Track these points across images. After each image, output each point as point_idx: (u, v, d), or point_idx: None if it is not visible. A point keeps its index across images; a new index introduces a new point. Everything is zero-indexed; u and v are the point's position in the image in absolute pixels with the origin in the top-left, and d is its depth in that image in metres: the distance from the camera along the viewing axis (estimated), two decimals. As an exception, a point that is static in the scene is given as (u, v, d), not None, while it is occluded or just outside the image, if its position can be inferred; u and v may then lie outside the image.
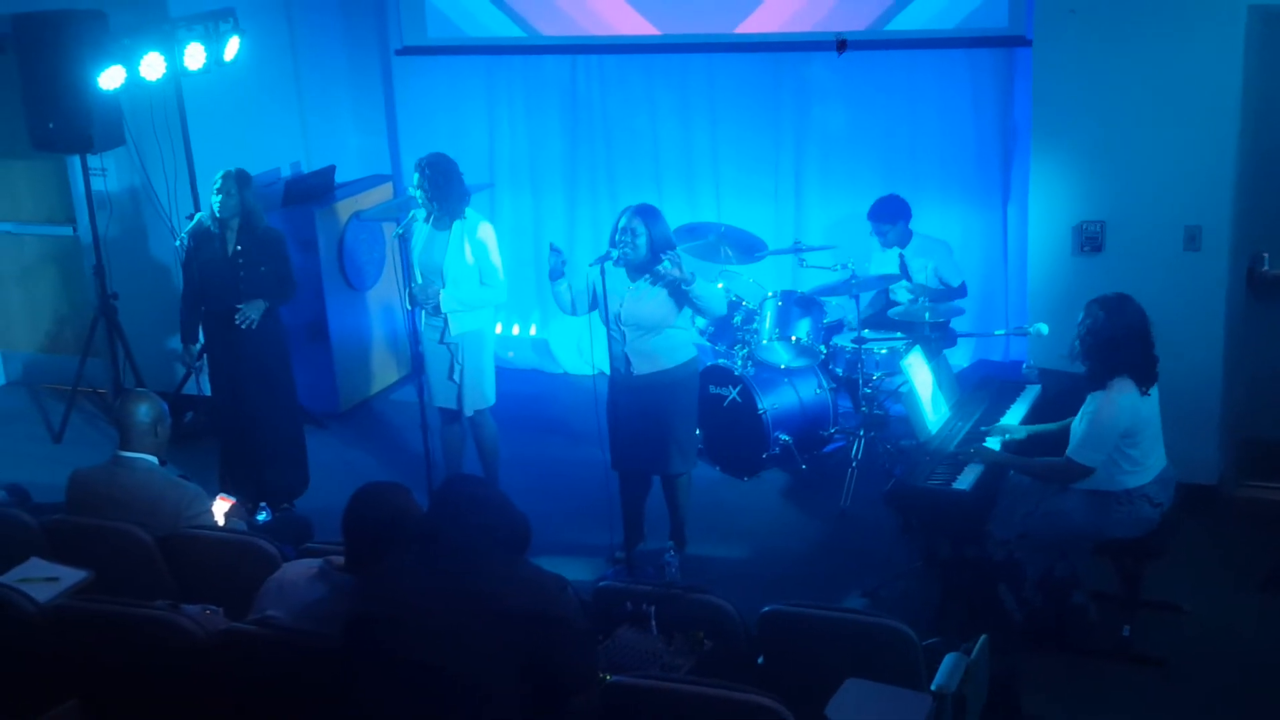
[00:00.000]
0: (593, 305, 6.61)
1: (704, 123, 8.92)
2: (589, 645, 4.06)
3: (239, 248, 7.06)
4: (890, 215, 7.77)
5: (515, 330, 9.68)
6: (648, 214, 6.39)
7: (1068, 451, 5.67)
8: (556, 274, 6.56)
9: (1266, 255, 6.99)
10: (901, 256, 7.77)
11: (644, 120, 9.06)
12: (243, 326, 7.00)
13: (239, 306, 6.99)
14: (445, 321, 6.91)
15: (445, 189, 6.82)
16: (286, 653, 4.14)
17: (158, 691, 4.37)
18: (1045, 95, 7.06)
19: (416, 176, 6.83)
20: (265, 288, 7.07)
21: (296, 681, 4.08)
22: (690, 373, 6.60)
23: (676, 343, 6.49)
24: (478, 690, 3.66)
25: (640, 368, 6.45)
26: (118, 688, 4.44)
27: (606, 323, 6.47)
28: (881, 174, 8.51)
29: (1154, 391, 5.66)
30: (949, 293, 7.80)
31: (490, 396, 7.14)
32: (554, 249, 6.60)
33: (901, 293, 7.84)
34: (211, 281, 7.11)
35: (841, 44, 7.31)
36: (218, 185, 7.02)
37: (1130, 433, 5.60)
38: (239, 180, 7.02)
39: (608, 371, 6.64)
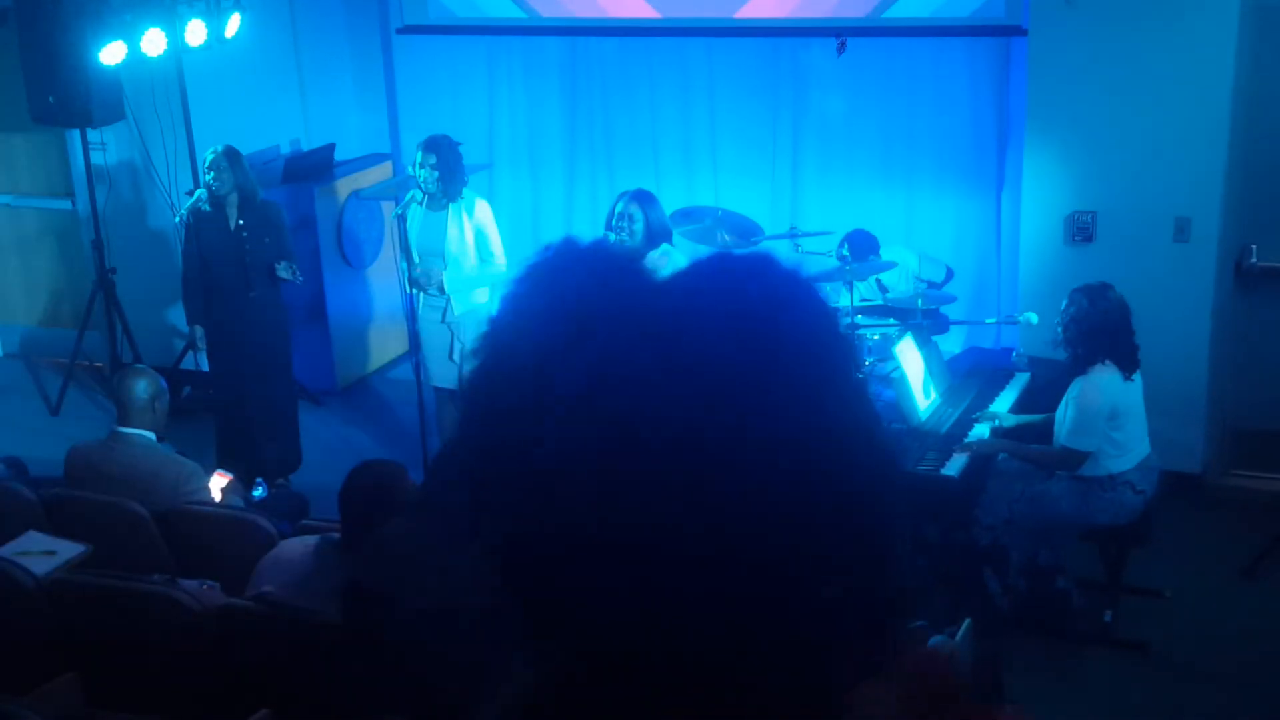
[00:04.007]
0: None
1: (703, 107, 8.95)
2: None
3: (241, 222, 7.09)
4: (858, 250, 7.77)
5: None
6: (644, 199, 6.44)
7: (1061, 440, 5.75)
8: None
9: (1254, 247, 7.05)
10: (879, 282, 7.81)
11: (643, 103, 9.09)
12: (299, 281, 7.13)
13: (280, 274, 7.06)
14: (448, 301, 6.96)
15: (455, 170, 6.88)
16: (282, 628, 4.20)
17: (154, 665, 4.41)
18: (1039, 86, 7.12)
19: (423, 156, 6.84)
20: (270, 260, 7.11)
21: (292, 657, 4.14)
22: None
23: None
24: (479, 669, 3.73)
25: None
26: (114, 661, 4.48)
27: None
28: (878, 160, 8.55)
29: (1137, 378, 5.74)
30: (938, 286, 7.88)
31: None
32: None
33: (894, 280, 7.88)
34: (217, 258, 7.15)
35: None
36: (208, 163, 7.07)
37: (1114, 415, 5.68)
38: (228, 157, 7.05)
39: None
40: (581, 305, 1.04)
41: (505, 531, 1.02)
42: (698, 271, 1.07)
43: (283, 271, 7.03)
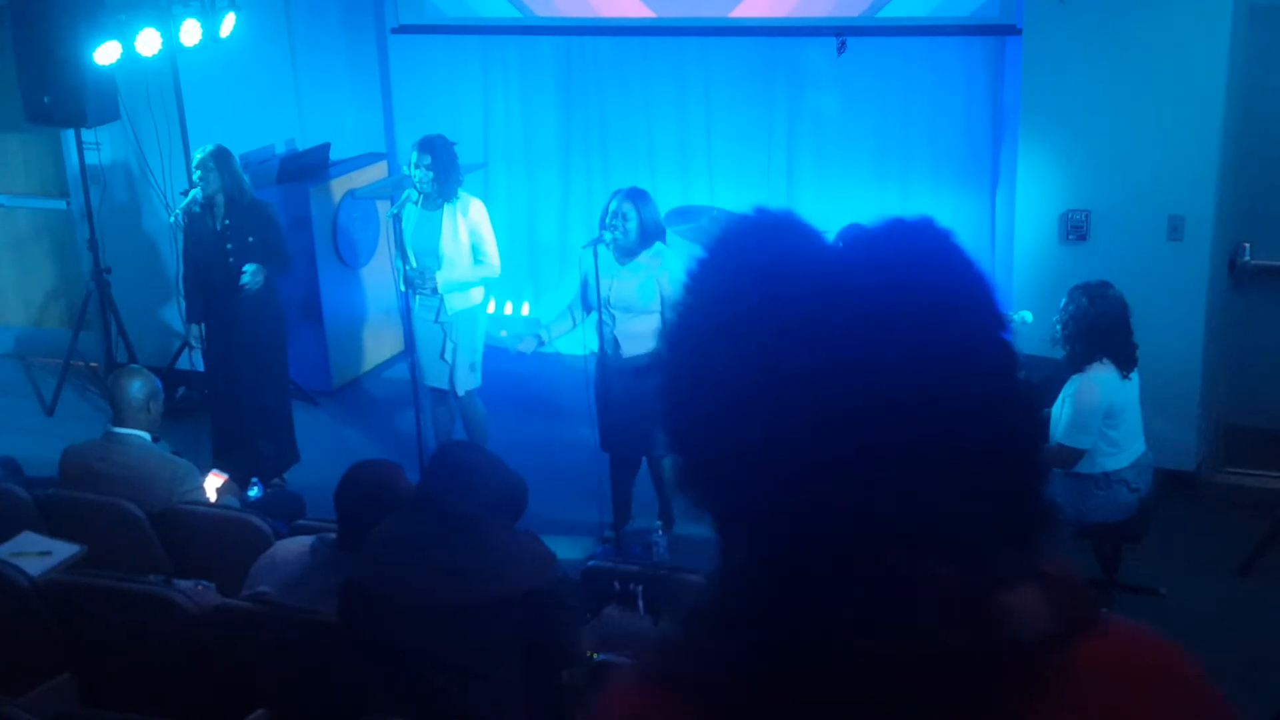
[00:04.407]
0: (586, 295, 6.67)
1: (698, 106, 8.95)
2: (577, 620, 4.13)
3: (226, 221, 7.09)
4: None
5: (508, 309, 9.74)
6: (638, 197, 6.43)
7: (1057, 437, 5.75)
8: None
9: (1248, 245, 7.06)
10: None
11: (638, 102, 9.09)
12: (251, 288, 7.01)
13: (244, 269, 7.00)
14: (441, 301, 6.96)
15: (450, 170, 6.87)
16: (279, 628, 4.20)
17: (150, 666, 4.41)
18: (1034, 84, 7.13)
19: (417, 156, 6.83)
20: (255, 259, 7.09)
21: (288, 658, 4.14)
22: None
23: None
24: (475, 669, 3.73)
25: (629, 350, 6.51)
26: (110, 662, 4.49)
27: (598, 305, 6.53)
28: (873, 160, 8.55)
29: (1134, 376, 5.75)
30: None
31: (478, 378, 7.19)
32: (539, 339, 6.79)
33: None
34: (205, 258, 7.16)
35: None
36: (195, 162, 7.07)
37: (1111, 413, 5.69)
38: (215, 158, 7.04)
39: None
40: (770, 267, 1.23)
41: (704, 449, 1.23)
42: (870, 237, 1.26)
43: (251, 275, 6.99)
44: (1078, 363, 5.71)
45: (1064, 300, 5.77)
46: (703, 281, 1.27)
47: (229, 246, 7.06)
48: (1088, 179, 7.06)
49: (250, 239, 7.08)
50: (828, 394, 1.16)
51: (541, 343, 6.78)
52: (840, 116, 8.62)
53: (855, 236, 1.26)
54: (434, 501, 3.83)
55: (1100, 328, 5.66)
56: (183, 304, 7.58)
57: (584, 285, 6.63)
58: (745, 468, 1.19)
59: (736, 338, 1.20)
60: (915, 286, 1.20)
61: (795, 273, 1.23)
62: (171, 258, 8.42)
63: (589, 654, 4.03)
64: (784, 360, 1.17)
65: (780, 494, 1.18)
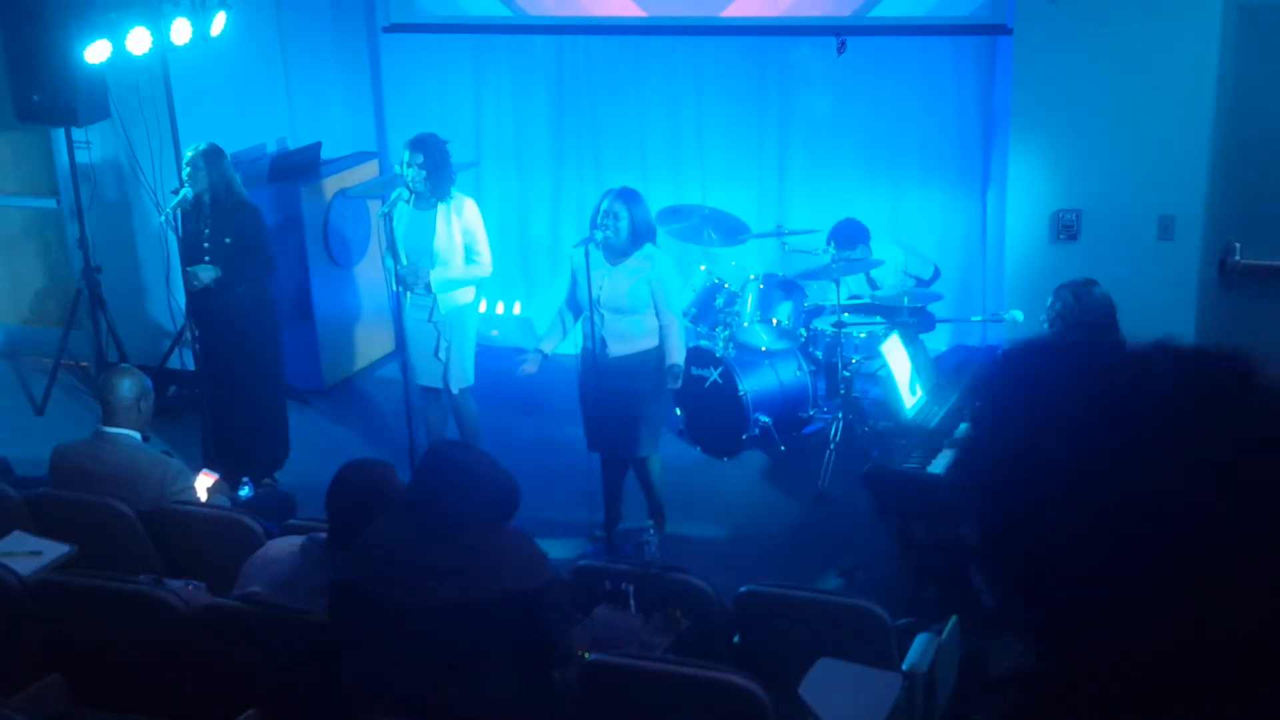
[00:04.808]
0: (574, 295, 6.66)
1: (690, 105, 8.95)
2: (569, 620, 4.14)
3: (209, 221, 7.08)
4: (849, 239, 7.79)
5: (500, 309, 9.73)
6: (629, 197, 6.43)
7: None
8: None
9: (1238, 245, 7.07)
10: (869, 278, 7.86)
11: (630, 102, 9.09)
12: (188, 286, 7.00)
13: (186, 270, 6.99)
14: (435, 300, 6.95)
15: (442, 169, 6.86)
16: (269, 627, 4.19)
17: (140, 665, 4.40)
18: (1025, 84, 7.14)
19: (410, 155, 6.83)
20: (230, 260, 7.07)
21: (279, 657, 4.13)
22: (661, 357, 6.63)
23: (651, 326, 6.54)
24: (466, 668, 3.73)
25: (615, 349, 6.50)
26: (100, 662, 4.47)
27: (588, 305, 6.52)
28: (864, 159, 8.57)
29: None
30: (926, 283, 7.92)
31: (471, 375, 7.18)
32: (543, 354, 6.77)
33: (884, 276, 7.91)
34: (188, 257, 7.14)
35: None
36: (185, 160, 7.06)
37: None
38: (206, 157, 7.02)
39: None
40: (1080, 400, 1.34)
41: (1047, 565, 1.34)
42: (1186, 382, 1.32)
43: (198, 273, 6.98)
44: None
45: (1050, 299, 5.79)
46: (1039, 416, 1.35)
47: (205, 245, 7.04)
48: (1078, 179, 7.08)
49: (227, 240, 7.05)
50: (1168, 525, 1.25)
51: (545, 356, 6.77)
52: (832, 116, 8.64)
53: (1191, 372, 1.32)
54: (426, 501, 3.83)
55: (1086, 325, 5.67)
56: (180, 300, 7.56)
57: (573, 285, 6.62)
58: (1090, 584, 1.29)
59: (1082, 470, 1.30)
60: (1234, 414, 1.28)
61: (1132, 401, 1.31)
62: (161, 257, 8.41)
63: (580, 653, 4.03)
64: (1130, 486, 1.27)
65: (1117, 602, 1.28)
